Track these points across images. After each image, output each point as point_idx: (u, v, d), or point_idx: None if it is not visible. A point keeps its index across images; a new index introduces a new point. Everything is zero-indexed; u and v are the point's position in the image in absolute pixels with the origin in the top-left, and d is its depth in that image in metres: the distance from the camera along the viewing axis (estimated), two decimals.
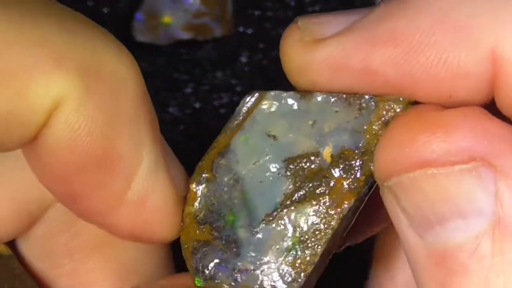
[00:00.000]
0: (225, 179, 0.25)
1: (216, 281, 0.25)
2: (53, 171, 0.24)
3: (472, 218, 0.22)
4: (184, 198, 0.25)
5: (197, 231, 0.25)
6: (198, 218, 0.25)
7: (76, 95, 0.22)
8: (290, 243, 0.25)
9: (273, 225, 0.25)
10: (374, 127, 0.24)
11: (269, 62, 0.46)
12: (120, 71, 0.23)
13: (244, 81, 0.46)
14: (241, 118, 0.25)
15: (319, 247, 0.24)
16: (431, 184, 0.23)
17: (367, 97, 0.24)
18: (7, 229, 0.27)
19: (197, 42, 0.47)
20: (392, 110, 0.24)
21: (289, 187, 0.24)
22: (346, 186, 0.24)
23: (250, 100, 0.25)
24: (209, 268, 0.25)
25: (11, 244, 0.28)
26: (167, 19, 0.47)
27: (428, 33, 0.23)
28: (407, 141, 0.23)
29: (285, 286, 0.25)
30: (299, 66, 0.24)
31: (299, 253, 0.24)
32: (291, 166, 0.25)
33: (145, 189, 0.24)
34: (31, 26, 0.22)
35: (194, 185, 0.25)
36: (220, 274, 0.25)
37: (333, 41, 0.24)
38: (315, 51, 0.24)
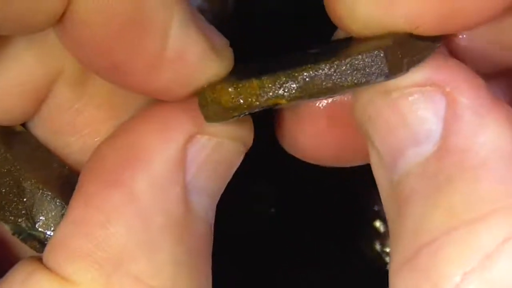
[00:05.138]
0: None
1: None
2: (90, 43, 0.24)
3: (424, 143, 0.23)
4: (216, 49, 0.26)
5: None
6: None
7: None
8: None
9: None
10: None
11: None
12: None
13: None
14: None
15: None
16: (392, 110, 0.24)
17: None
18: (18, 111, 0.28)
19: None
20: None
21: None
22: None
23: None
24: None
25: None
26: None
27: None
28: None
29: None
30: None
31: None
32: None
33: (181, 44, 0.25)
34: None
35: None
36: None
37: None
38: None
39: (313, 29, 0.38)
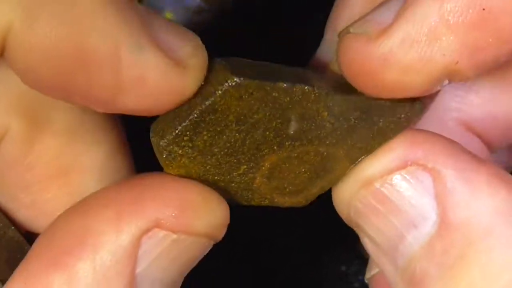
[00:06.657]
0: None
1: None
2: (38, 81, 0.23)
3: (421, 225, 0.23)
4: (179, 62, 0.24)
5: None
6: None
7: (22, 20, 0.22)
8: None
9: None
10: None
11: None
12: None
13: None
14: None
15: None
16: (379, 201, 0.24)
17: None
18: None
19: None
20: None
21: None
22: None
23: None
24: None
25: None
26: (168, 15, 0.46)
27: None
28: (352, 175, 0.24)
29: None
30: (375, 64, 0.24)
31: None
32: None
33: (137, 69, 0.23)
34: None
35: None
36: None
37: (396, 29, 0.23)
38: (385, 42, 0.23)
39: (313, 29, 0.38)
